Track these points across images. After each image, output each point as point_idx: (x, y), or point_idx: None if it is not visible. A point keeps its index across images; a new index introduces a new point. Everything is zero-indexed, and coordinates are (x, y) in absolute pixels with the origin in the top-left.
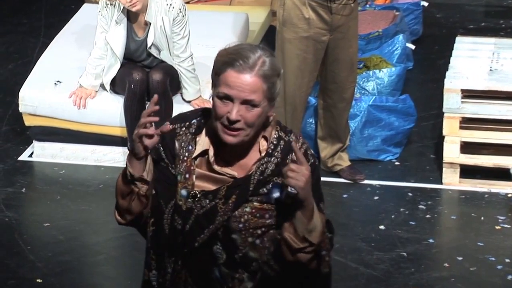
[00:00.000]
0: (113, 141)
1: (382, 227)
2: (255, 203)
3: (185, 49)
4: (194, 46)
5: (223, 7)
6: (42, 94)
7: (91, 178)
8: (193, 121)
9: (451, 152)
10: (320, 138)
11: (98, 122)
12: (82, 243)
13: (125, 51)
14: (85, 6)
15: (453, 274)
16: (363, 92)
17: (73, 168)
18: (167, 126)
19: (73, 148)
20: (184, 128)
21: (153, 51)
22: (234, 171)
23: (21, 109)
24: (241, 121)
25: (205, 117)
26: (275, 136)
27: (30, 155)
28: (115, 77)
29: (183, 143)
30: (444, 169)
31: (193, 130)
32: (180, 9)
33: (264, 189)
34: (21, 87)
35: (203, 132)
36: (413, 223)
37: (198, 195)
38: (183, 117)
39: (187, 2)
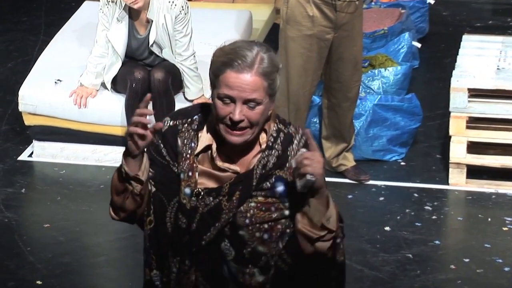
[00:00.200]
0: (114, 141)
1: (387, 228)
2: (259, 198)
3: (187, 47)
4: (196, 45)
5: (226, 5)
6: (42, 93)
7: (92, 179)
8: (195, 117)
9: (458, 152)
10: (324, 138)
11: (99, 121)
12: (82, 244)
13: (126, 49)
14: (86, 4)
15: (459, 276)
16: (368, 91)
17: (73, 168)
18: (160, 124)
19: (74, 148)
20: (186, 125)
21: (155, 49)
22: (236, 166)
23: (21, 108)
24: (244, 121)
25: (205, 112)
26: (275, 128)
27: (30, 155)
28: (116, 76)
29: (185, 140)
30: (450, 170)
31: (195, 126)
32: (182, 7)
33: (267, 183)
34: (21, 85)
35: (205, 128)
36: (419, 224)
37: (202, 193)
38: (185, 113)
39: (190, 0)
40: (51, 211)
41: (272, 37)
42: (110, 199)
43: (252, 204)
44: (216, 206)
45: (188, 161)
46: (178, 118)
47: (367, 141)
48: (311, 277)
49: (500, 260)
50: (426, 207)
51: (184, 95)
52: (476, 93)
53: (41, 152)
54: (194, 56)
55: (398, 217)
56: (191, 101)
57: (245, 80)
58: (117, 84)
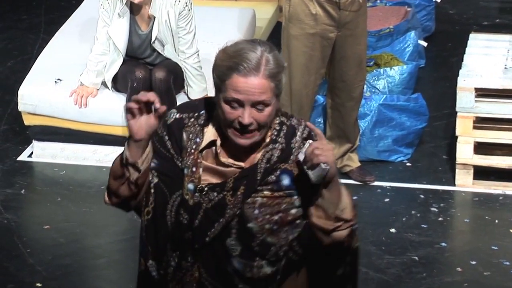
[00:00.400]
0: (115, 141)
1: (393, 230)
2: (265, 192)
3: (191, 45)
4: (199, 43)
5: (229, 3)
6: (42, 92)
7: (92, 179)
8: (202, 111)
9: (464, 152)
10: (328, 138)
11: (99, 121)
12: (83, 246)
13: (128, 47)
14: (87, 2)
15: (466, 279)
16: (373, 90)
17: (74, 168)
18: (163, 107)
19: (74, 148)
20: (192, 119)
21: (157, 46)
22: (240, 162)
23: (20, 108)
24: (253, 123)
25: (212, 107)
26: (277, 121)
27: (30, 155)
28: (117, 74)
29: (191, 135)
30: (457, 170)
31: (202, 121)
32: (186, 3)
33: (273, 176)
34: (20, 85)
35: (210, 124)
36: (425, 226)
37: (206, 189)
38: (192, 106)
39: None
40: (51, 212)
41: (276, 35)
42: (108, 182)
43: (258, 199)
44: (220, 202)
45: (192, 156)
46: (185, 111)
47: (372, 142)
48: (325, 264)
49: (508, 263)
50: (432, 209)
51: (187, 94)
52: (483, 93)
53: (41, 152)
54: (198, 54)
55: (404, 219)
56: None
57: (253, 83)
58: (118, 83)
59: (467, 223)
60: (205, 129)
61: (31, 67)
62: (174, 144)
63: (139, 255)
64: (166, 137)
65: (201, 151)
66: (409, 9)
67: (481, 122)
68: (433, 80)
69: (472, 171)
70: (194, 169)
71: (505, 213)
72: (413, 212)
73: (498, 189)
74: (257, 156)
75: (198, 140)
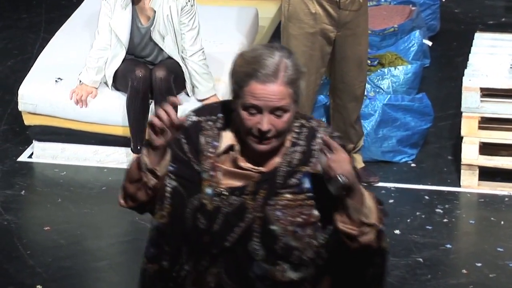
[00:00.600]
0: (116, 141)
1: (397, 231)
2: (287, 195)
3: (194, 42)
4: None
5: (231, 1)
6: (42, 91)
7: (93, 180)
8: (220, 115)
9: (470, 153)
10: None
11: (100, 121)
12: (83, 248)
13: (129, 42)
14: (87, 1)
15: (471, 281)
16: (377, 90)
17: (74, 169)
18: (183, 119)
19: (75, 148)
20: (210, 122)
21: (157, 39)
22: (260, 166)
23: (20, 107)
24: (272, 130)
25: (230, 111)
26: (297, 124)
27: (30, 156)
28: (117, 73)
29: (208, 139)
30: (462, 171)
31: (220, 125)
32: None
33: (294, 179)
34: (20, 84)
35: (228, 128)
36: (429, 227)
37: (225, 193)
38: (210, 109)
39: None
40: (52, 213)
41: (279, 35)
42: (122, 184)
43: (280, 201)
44: (240, 206)
45: (210, 160)
46: (202, 114)
47: (377, 142)
48: (352, 267)
49: None
50: (437, 210)
51: (187, 94)
52: (488, 93)
53: (41, 153)
54: (203, 52)
55: (408, 220)
56: (201, 100)
57: (271, 90)
58: (118, 83)
59: (472, 224)
60: (223, 133)
61: (31, 66)
62: (191, 147)
63: (144, 257)
64: (184, 140)
65: (219, 155)
66: (413, 8)
67: (487, 123)
68: (438, 80)
69: (477, 172)
70: (212, 173)
71: (511, 214)
72: (417, 213)
73: (504, 190)
74: (277, 160)
75: (215, 143)
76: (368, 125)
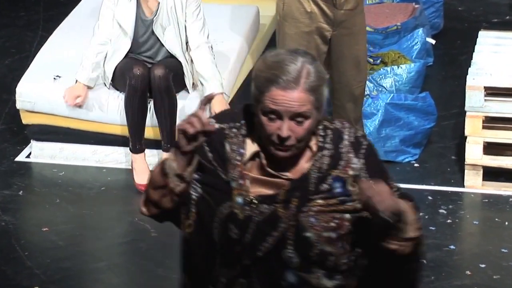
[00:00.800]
0: (115, 141)
1: None
2: (319, 201)
3: (201, 32)
4: None
5: (232, 0)
6: (40, 89)
7: (92, 180)
8: (243, 121)
9: (474, 153)
10: None
11: (99, 119)
12: (82, 249)
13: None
14: None
15: (475, 283)
16: (380, 89)
17: (73, 169)
18: (212, 125)
19: (73, 148)
20: (234, 130)
21: (158, 31)
22: (288, 172)
23: (18, 105)
24: (292, 137)
25: (252, 116)
26: (321, 127)
27: (28, 156)
28: (115, 72)
29: (234, 146)
30: (466, 171)
31: (244, 132)
32: None
33: (325, 185)
34: (18, 83)
35: (252, 134)
36: (433, 228)
37: (255, 201)
38: (232, 115)
39: None
40: (50, 214)
41: None
42: (145, 192)
43: (313, 207)
44: (272, 214)
45: (238, 168)
46: (224, 121)
47: (379, 142)
48: (391, 272)
49: None
50: (441, 211)
51: (187, 90)
52: (493, 92)
53: (39, 152)
54: (211, 48)
55: None
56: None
57: (291, 96)
58: (116, 81)
59: (476, 225)
60: (247, 140)
61: (29, 65)
62: (215, 156)
63: (180, 269)
64: (207, 148)
65: (246, 162)
66: (416, 6)
67: (491, 122)
68: (441, 79)
69: (481, 172)
70: (241, 181)
71: None
72: (421, 214)
73: (508, 191)
74: (305, 165)
75: (241, 151)
76: (370, 124)
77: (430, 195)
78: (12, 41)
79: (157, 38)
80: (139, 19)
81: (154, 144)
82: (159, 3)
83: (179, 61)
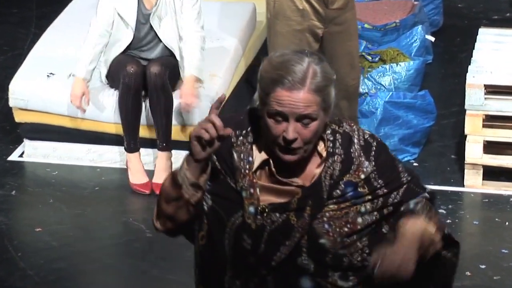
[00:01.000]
0: (109, 140)
1: None
2: (331, 206)
3: (196, 21)
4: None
5: None
6: (33, 87)
7: (86, 180)
8: (249, 128)
9: (474, 152)
10: None
11: (94, 117)
12: (76, 250)
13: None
14: None
15: (475, 284)
16: (378, 87)
17: (67, 169)
18: (228, 130)
19: (67, 147)
20: (241, 137)
21: (155, 22)
22: (298, 179)
23: (11, 103)
24: (298, 139)
25: (258, 122)
26: (329, 131)
27: (21, 155)
28: (110, 70)
29: (242, 155)
30: (466, 171)
31: (251, 139)
32: None
33: (338, 191)
34: (11, 81)
35: (258, 141)
36: None
37: (267, 210)
38: (238, 122)
39: None
40: (43, 214)
41: None
42: (157, 207)
43: (326, 213)
44: (284, 223)
45: (247, 177)
46: (230, 128)
47: None
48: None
49: None
50: (440, 210)
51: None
52: (493, 90)
53: (32, 152)
54: (204, 39)
55: None
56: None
57: (297, 97)
58: (110, 79)
59: (476, 225)
60: (254, 147)
61: (22, 62)
62: (223, 165)
63: (195, 282)
64: (214, 157)
65: (255, 171)
66: (416, 2)
67: (491, 121)
68: (441, 77)
69: (481, 171)
70: (251, 190)
71: None
72: None
73: (509, 190)
74: (316, 171)
75: (250, 159)
76: (369, 123)
77: None
78: (5, 38)
79: (155, 33)
80: (140, 12)
81: (149, 143)
82: None
83: (175, 59)
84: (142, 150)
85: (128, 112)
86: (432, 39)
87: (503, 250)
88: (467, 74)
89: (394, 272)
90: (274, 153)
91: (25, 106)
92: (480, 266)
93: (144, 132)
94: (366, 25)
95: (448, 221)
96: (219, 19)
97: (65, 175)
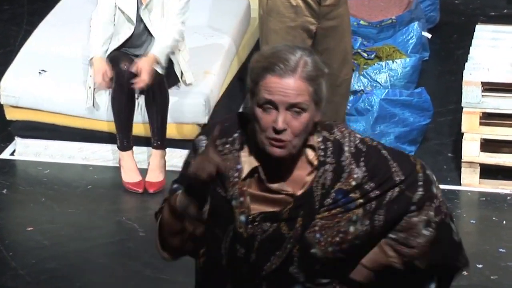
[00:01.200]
0: (102, 138)
1: None
2: (323, 214)
3: (179, 14)
4: (190, 36)
5: None
6: (25, 84)
7: (78, 179)
8: (235, 134)
9: (471, 150)
10: None
11: (86, 115)
12: (68, 249)
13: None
14: None
15: (472, 283)
16: (374, 85)
17: (58, 167)
18: (227, 165)
19: (59, 145)
20: (228, 145)
21: (145, 16)
22: (288, 187)
23: (2, 100)
24: (288, 131)
25: (244, 128)
26: (319, 139)
27: (12, 153)
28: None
29: (229, 162)
30: (463, 169)
31: (238, 146)
32: None
33: (329, 199)
34: (2, 77)
35: (246, 147)
36: None
37: (257, 219)
38: (223, 130)
39: None
40: (35, 213)
41: None
42: (160, 239)
43: (318, 221)
44: (275, 232)
45: (237, 186)
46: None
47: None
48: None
49: None
50: None
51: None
52: (490, 87)
53: (23, 150)
54: (183, 34)
55: None
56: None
57: (288, 84)
58: None
59: (473, 224)
60: (242, 153)
61: (13, 59)
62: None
63: None
64: None
65: (244, 179)
66: None
67: (488, 118)
68: (437, 74)
69: (478, 169)
70: (241, 199)
71: None
72: None
73: (506, 189)
74: (307, 179)
75: (238, 167)
76: (364, 121)
77: None
78: None
79: (147, 29)
80: (139, 8)
81: (143, 141)
82: None
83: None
84: (135, 148)
85: (121, 110)
86: (429, 35)
87: (501, 249)
88: (464, 71)
89: None
90: (264, 151)
91: (16, 103)
92: (477, 265)
93: (137, 130)
94: (362, 22)
95: None
96: (213, 16)
97: (57, 174)
